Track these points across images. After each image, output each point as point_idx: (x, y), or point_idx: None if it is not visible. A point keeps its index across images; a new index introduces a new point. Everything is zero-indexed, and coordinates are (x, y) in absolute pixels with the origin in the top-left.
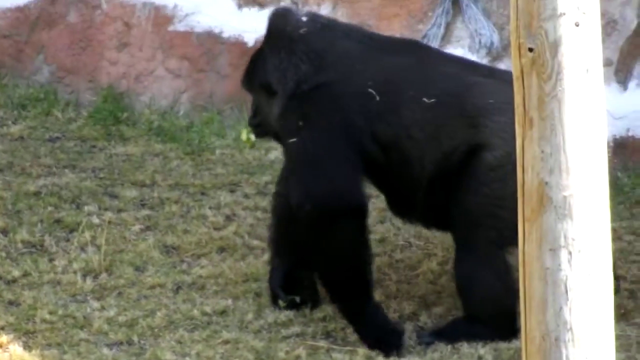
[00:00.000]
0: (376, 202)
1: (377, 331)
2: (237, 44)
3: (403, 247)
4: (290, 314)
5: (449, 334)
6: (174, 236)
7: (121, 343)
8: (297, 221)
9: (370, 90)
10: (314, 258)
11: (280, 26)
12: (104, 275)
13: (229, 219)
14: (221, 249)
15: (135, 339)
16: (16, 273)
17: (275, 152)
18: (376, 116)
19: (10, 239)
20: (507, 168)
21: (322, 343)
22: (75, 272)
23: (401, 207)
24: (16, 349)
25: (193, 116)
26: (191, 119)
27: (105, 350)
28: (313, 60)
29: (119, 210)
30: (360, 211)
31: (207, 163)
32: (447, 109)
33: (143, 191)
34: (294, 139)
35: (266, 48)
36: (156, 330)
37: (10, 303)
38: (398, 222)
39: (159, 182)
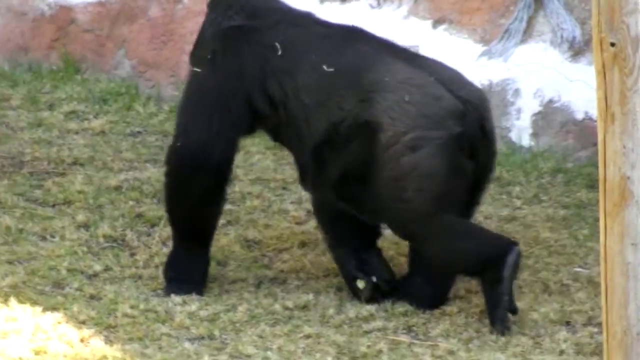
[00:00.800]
0: None
1: (181, 274)
2: None
3: None
4: (371, 308)
5: (492, 303)
6: (255, 231)
7: (203, 337)
8: (168, 150)
9: (276, 44)
10: (167, 191)
11: None
12: None
13: (310, 213)
14: (302, 244)
15: (216, 333)
16: (98, 267)
17: None
18: (272, 71)
19: (91, 233)
20: (398, 147)
21: (404, 338)
22: (156, 267)
23: (299, 172)
24: (97, 343)
25: None
26: None
27: (187, 345)
28: (246, 12)
29: None
30: (220, 170)
31: (289, 157)
32: (342, 80)
33: None
34: (198, 70)
35: (208, 10)
36: (238, 324)
37: (92, 297)
38: (480, 216)
39: (241, 177)
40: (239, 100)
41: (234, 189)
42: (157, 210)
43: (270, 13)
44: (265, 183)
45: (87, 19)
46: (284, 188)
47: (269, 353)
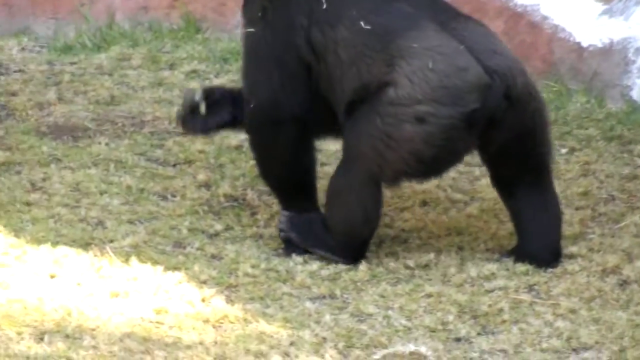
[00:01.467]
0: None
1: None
2: None
3: (606, 200)
4: (492, 267)
5: (302, 228)
6: None
7: (324, 297)
8: (245, 112)
9: None
10: (257, 156)
11: None
12: None
13: None
14: (423, 203)
15: (337, 292)
16: (219, 227)
17: None
18: (316, 20)
19: (212, 193)
20: (406, 111)
21: (525, 296)
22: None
23: (327, 127)
24: (218, 302)
25: None
26: None
27: (308, 304)
28: None
29: (322, 164)
30: (298, 118)
31: None
32: (374, 41)
33: None
34: (252, 29)
35: None
36: (359, 283)
37: (213, 257)
38: (602, 175)
39: None
40: (292, 52)
41: None
42: None
43: None
44: None
45: None
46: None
47: (390, 312)
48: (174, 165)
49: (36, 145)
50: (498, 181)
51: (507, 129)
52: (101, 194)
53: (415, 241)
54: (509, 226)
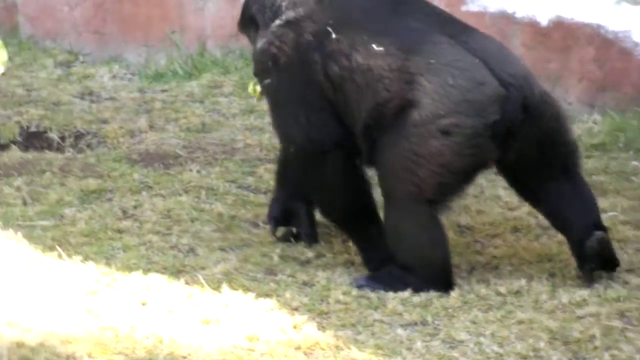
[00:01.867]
0: None
1: (379, 254)
2: (531, 25)
3: None
4: (584, 293)
5: (382, 279)
6: (467, 216)
7: (415, 323)
8: (288, 161)
9: (328, 28)
10: (312, 196)
11: None
12: None
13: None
14: (515, 229)
15: (429, 319)
16: (310, 254)
17: None
18: (330, 54)
19: None
20: (430, 128)
21: (617, 323)
22: None
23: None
24: (310, 329)
25: None
26: None
27: (400, 331)
28: (281, 8)
29: None
30: (338, 146)
31: None
32: (391, 60)
33: None
34: (267, 80)
35: (257, 15)
36: (450, 310)
37: (305, 284)
38: None
39: None
40: (312, 88)
41: None
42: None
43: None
44: None
45: None
46: (496, 174)
47: (481, 339)
48: (265, 193)
49: (127, 172)
50: (524, 188)
51: (525, 138)
52: (192, 221)
53: (506, 268)
54: None
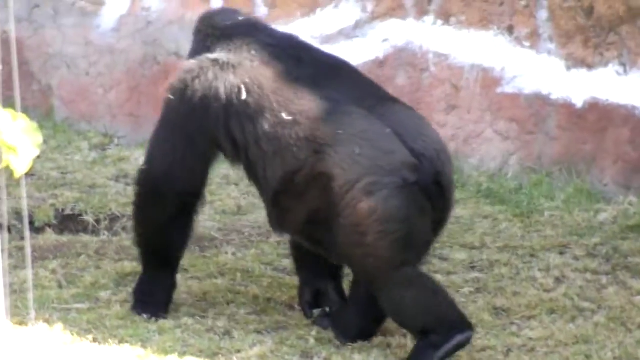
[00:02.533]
0: None
1: (145, 296)
2: (566, 106)
3: None
4: None
5: (418, 357)
6: (503, 298)
7: None
8: (136, 176)
9: (241, 86)
10: (134, 218)
11: (211, 18)
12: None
13: (558, 280)
14: (551, 311)
15: None
16: None
17: (604, 214)
18: (236, 114)
19: None
20: (353, 194)
21: None
22: (404, 335)
23: (267, 213)
24: None
25: (522, 178)
26: (520, 181)
27: None
28: (225, 44)
29: (449, 273)
30: (183, 198)
31: (536, 225)
32: (299, 130)
33: (472, 253)
34: (171, 97)
35: (193, 37)
36: None
37: None
38: None
39: (488, 244)
40: (205, 136)
41: (482, 257)
42: None
43: (247, 46)
44: (513, 250)
45: None
46: (531, 255)
47: None
48: None
49: None
50: None
51: (434, 218)
52: (228, 303)
53: (542, 349)
54: (637, 334)
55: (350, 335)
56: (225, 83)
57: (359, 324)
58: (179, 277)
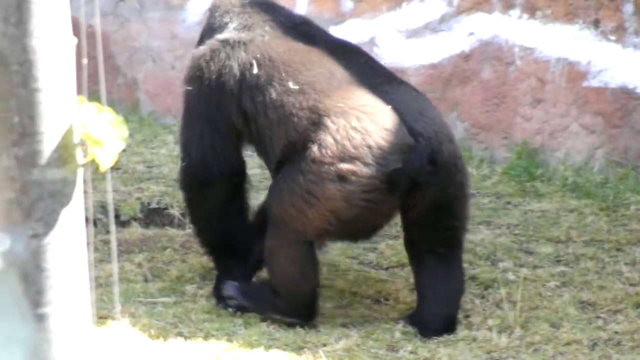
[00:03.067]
0: None
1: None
2: None
3: None
4: None
5: (254, 296)
6: (589, 292)
7: None
8: (179, 172)
9: (253, 60)
10: (189, 216)
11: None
12: (518, 331)
13: None
14: (637, 305)
15: None
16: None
17: None
18: (247, 89)
19: None
20: (328, 170)
21: None
22: (490, 329)
23: None
24: None
25: (608, 172)
26: (606, 175)
27: None
28: (240, 20)
29: (535, 267)
30: (225, 181)
31: (622, 219)
32: (303, 100)
33: (558, 247)
34: (189, 89)
35: (208, 14)
36: None
37: None
38: None
39: (574, 238)
40: (223, 115)
41: (568, 251)
42: (490, 272)
43: (260, 23)
44: (599, 244)
45: (420, 81)
46: (617, 249)
47: None
48: (387, 269)
49: None
50: (409, 245)
51: (429, 196)
52: None
53: (628, 343)
54: None
55: (434, 330)
56: (237, 61)
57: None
58: (265, 271)
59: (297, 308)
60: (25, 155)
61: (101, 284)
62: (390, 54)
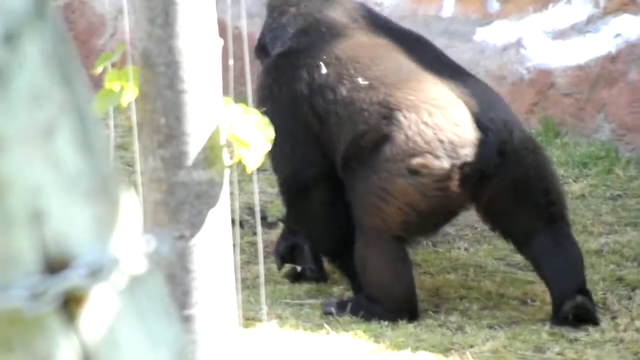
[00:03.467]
0: None
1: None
2: None
3: None
4: None
5: (350, 308)
6: None
7: None
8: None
9: (321, 62)
10: (300, 228)
11: None
12: None
13: None
14: None
15: None
16: (580, 333)
17: None
18: (317, 88)
19: None
20: (399, 165)
21: None
22: (637, 330)
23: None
24: None
25: None
26: None
27: None
28: (297, 24)
29: None
30: (321, 180)
31: None
32: (373, 94)
33: None
34: (263, 109)
35: (266, 14)
36: None
37: None
38: None
39: None
40: (299, 121)
41: None
42: (637, 273)
43: (320, 23)
44: None
45: (566, 82)
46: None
47: None
48: (533, 271)
49: None
50: (508, 236)
51: (501, 184)
52: (461, 298)
53: None
54: None
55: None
56: (305, 70)
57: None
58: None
59: (395, 311)
60: (172, 156)
61: (248, 286)
62: (537, 55)
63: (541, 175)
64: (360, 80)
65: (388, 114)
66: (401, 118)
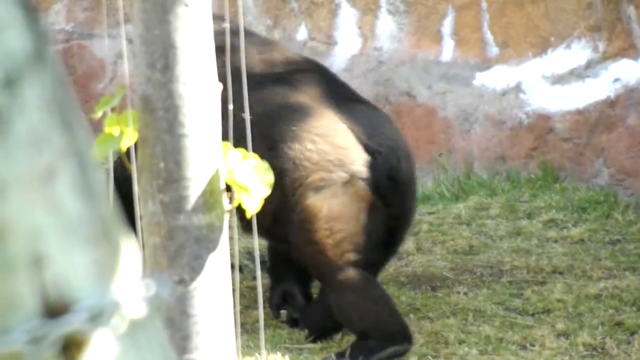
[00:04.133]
0: None
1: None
2: None
3: None
4: None
5: (349, 354)
6: None
7: None
8: None
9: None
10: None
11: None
12: None
13: None
14: None
15: None
16: None
17: None
18: None
19: (571, 342)
20: (301, 191)
21: None
22: None
23: None
24: None
25: None
26: None
27: None
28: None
29: None
30: None
31: None
32: (258, 127)
33: None
34: None
35: None
36: None
37: None
38: None
39: None
40: None
41: None
42: (636, 318)
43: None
44: None
45: (565, 127)
46: None
47: None
48: (533, 315)
49: (395, 295)
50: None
51: (391, 214)
52: (460, 343)
53: None
54: None
55: (315, 331)
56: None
57: (323, 322)
58: (411, 316)
59: (388, 336)
60: (171, 200)
61: (247, 330)
62: (536, 100)
63: (406, 220)
64: (242, 115)
65: (273, 145)
66: (286, 149)
